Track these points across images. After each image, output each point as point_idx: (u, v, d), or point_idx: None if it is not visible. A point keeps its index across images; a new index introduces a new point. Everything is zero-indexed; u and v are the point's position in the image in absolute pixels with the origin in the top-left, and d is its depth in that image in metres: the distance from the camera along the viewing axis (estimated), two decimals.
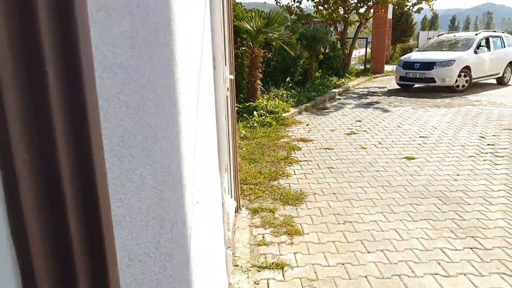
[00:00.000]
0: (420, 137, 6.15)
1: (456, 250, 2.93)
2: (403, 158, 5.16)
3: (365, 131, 6.63)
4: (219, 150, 2.25)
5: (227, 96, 3.32)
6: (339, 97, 10.41)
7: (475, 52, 10.62)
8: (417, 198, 3.88)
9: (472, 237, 3.12)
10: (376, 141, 6.00)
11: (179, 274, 1.04)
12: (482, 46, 10.92)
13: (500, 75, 11.47)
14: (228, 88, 3.33)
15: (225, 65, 3.21)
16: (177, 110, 1.09)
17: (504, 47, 11.56)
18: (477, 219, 3.41)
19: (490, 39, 11.24)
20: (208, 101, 1.91)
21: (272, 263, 2.82)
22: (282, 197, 3.97)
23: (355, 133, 6.49)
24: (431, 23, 76.62)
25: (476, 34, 11.26)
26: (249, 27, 7.32)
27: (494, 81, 11.83)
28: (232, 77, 3.35)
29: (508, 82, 11.82)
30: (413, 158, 5.12)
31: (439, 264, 2.76)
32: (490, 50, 11.01)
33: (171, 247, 0.95)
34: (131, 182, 0.65)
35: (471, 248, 2.95)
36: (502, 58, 11.33)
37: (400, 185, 4.24)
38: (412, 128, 6.70)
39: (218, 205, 2.24)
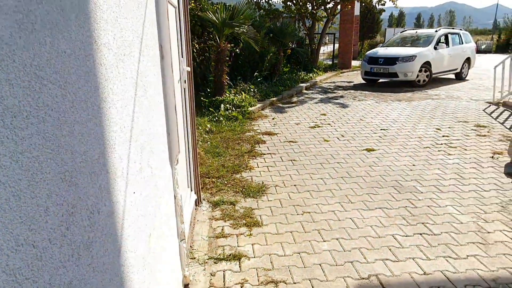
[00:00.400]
0: (381, 129, 6.34)
1: (406, 236, 3.05)
2: (364, 150, 5.30)
3: (329, 124, 6.76)
4: (169, 142, 2.22)
5: (184, 89, 3.27)
6: (306, 91, 10.54)
7: (435, 48, 11.05)
8: (374, 188, 4.00)
9: (422, 223, 3.25)
10: (339, 134, 6.13)
11: (103, 263, 1.01)
12: (442, 42, 11.37)
13: (458, 70, 11.99)
14: (185, 81, 3.29)
15: (182, 57, 3.17)
16: (100, 96, 1.06)
17: (462, 43, 12.09)
18: (428, 206, 3.57)
19: (449, 36, 11.72)
20: (154, 92, 1.87)
21: (230, 255, 2.83)
22: (243, 189, 3.98)
23: (319, 126, 6.60)
24: (398, 20, 79.04)
25: (436, 31, 11.70)
26: (214, 18, 7.24)
27: (453, 76, 12.36)
28: (189, 69, 3.31)
29: (465, 77, 12.39)
30: (373, 150, 5.27)
31: (390, 250, 2.86)
32: (449, 47, 11.48)
33: (88, 235, 0.92)
34: (18, 164, 0.63)
35: (421, 234, 3.08)
36: (460, 54, 11.84)
37: (359, 176, 4.36)
38: (374, 121, 6.89)
39: (169, 198, 2.22)
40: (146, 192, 1.59)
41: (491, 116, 7.13)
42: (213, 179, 4.25)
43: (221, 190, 3.99)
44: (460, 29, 12.71)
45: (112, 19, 1.20)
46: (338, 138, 5.87)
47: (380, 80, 11.79)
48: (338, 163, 4.79)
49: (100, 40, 1.07)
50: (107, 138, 1.11)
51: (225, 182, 4.19)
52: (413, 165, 4.67)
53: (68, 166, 0.82)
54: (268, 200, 3.77)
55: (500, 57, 8.81)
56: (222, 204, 3.66)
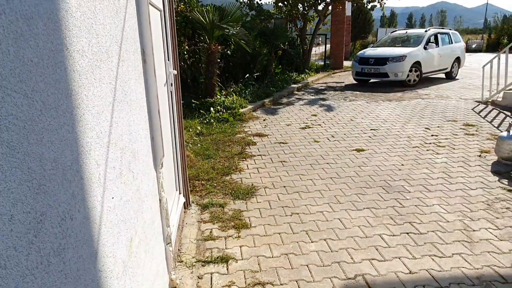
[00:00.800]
0: (371, 129, 6.38)
1: (393, 235, 3.08)
2: (353, 150, 5.34)
3: (319, 125, 6.79)
4: (153, 146, 2.22)
5: (171, 92, 3.28)
6: (298, 92, 10.58)
7: (425, 48, 11.14)
8: (362, 188, 4.03)
9: (409, 222, 3.29)
10: (329, 134, 6.17)
11: (76, 269, 1.02)
12: (431, 42, 11.47)
13: (448, 70, 12.11)
14: (172, 84, 3.29)
15: (168, 60, 3.17)
16: (73, 102, 1.07)
17: (452, 43, 12.22)
18: (416, 205, 3.60)
19: (439, 35, 11.83)
20: (136, 96, 1.87)
21: (217, 257, 2.83)
22: (233, 191, 3.99)
23: (310, 127, 6.63)
24: (390, 21, 79.66)
25: (426, 31, 11.81)
26: (201, 18, 7.24)
27: (443, 76, 12.47)
28: (176, 72, 3.31)
29: (455, 76, 12.51)
30: (362, 150, 5.31)
31: (376, 249, 2.89)
32: (438, 46, 11.58)
33: (60, 242, 0.92)
34: None
35: (407, 233, 3.11)
36: (450, 54, 11.96)
37: (348, 176, 4.39)
38: (364, 121, 6.94)
39: (154, 202, 2.22)
40: (127, 196, 1.59)
41: (480, 115, 7.21)
42: (202, 182, 4.25)
43: (210, 193, 3.99)
44: (450, 29, 12.85)
45: (87, 26, 1.20)
46: (328, 139, 5.90)
47: (371, 80, 11.87)
48: (327, 163, 4.82)
49: (72, 47, 1.08)
50: (82, 144, 1.11)
51: (215, 184, 4.19)
52: (402, 164, 4.71)
53: (36, 174, 0.83)
54: (257, 202, 3.78)
55: (490, 56, 8.90)
56: (211, 207, 3.66)
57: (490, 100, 8.25)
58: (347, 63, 17.62)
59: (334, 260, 2.77)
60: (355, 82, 12.09)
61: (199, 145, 5.49)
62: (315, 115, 7.56)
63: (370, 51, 11.76)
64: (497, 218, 3.33)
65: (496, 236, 3.03)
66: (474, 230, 3.14)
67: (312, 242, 3.03)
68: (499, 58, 8.02)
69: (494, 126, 6.36)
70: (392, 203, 3.67)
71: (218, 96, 7.92)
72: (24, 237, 0.77)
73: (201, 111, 7.15)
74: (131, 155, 1.71)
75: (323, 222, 3.34)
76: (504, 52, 7.94)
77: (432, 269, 2.63)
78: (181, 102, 3.55)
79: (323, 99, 9.35)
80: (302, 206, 3.66)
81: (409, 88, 10.66)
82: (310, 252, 2.88)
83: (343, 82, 12.51)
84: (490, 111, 7.49)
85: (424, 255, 2.81)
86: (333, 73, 15.00)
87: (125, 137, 1.62)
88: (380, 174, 4.41)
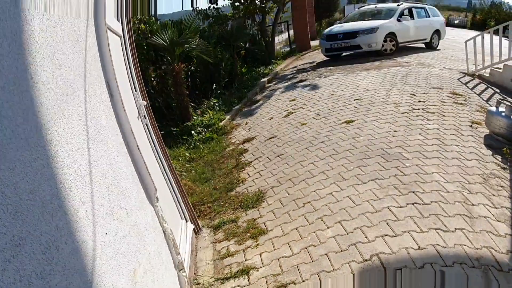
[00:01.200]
0: (355, 100, 6.26)
1: (400, 207, 3.03)
2: (343, 123, 5.24)
3: (301, 107, 6.61)
4: (142, 181, 2.16)
5: (146, 124, 3.07)
6: (269, 84, 10.11)
7: (398, 20, 11.09)
8: (362, 160, 3.97)
9: (413, 192, 3.22)
10: (314, 113, 6.02)
11: None
12: (406, 15, 11.48)
13: (428, 40, 12.09)
14: (145, 116, 3.05)
15: (135, 90, 2.97)
16: (44, 137, 1.04)
17: (429, 17, 12.32)
18: (416, 173, 3.54)
19: (413, 9, 11.84)
20: (110, 133, 1.79)
21: (237, 271, 2.76)
22: (242, 204, 3.86)
23: (292, 113, 6.47)
24: None
25: (398, 5, 11.84)
26: (161, 41, 7.09)
27: (423, 45, 12.44)
28: (145, 103, 3.14)
29: (436, 47, 12.40)
30: (351, 121, 5.23)
31: (387, 224, 2.84)
32: (414, 19, 11.61)
33: (44, 268, 0.95)
34: None
35: (413, 204, 3.04)
36: (428, 26, 11.97)
37: (345, 150, 4.32)
38: (345, 93, 6.80)
39: (157, 234, 2.15)
40: (123, 232, 1.54)
41: (467, 86, 7.03)
42: (208, 205, 4.10)
43: (219, 212, 3.85)
44: (426, 4, 12.93)
45: (49, 54, 1.16)
46: (314, 118, 5.78)
47: (344, 54, 11.64)
48: (322, 142, 4.74)
49: (37, 76, 1.05)
50: (61, 181, 1.09)
51: (222, 203, 4.05)
52: (395, 131, 4.65)
53: (11, 200, 0.87)
54: (269, 205, 3.68)
55: (475, 33, 8.75)
56: (224, 225, 3.54)
57: (476, 74, 7.93)
58: (315, 43, 16.75)
59: (351, 242, 2.72)
60: (326, 58, 11.82)
61: (193, 171, 5.33)
62: (294, 100, 7.33)
63: (337, 28, 11.60)
64: (493, 195, 3.22)
65: (493, 215, 2.94)
66: (473, 205, 3.04)
67: (328, 228, 2.97)
68: (483, 37, 7.78)
69: (484, 100, 6.19)
70: (393, 171, 3.63)
71: (195, 117, 7.63)
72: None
73: (184, 137, 6.92)
74: (120, 193, 1.66)
75: (334, 204, 3.28)
76: (489, 32, 7.87)
77: (438, 244, 2.56)
78: (160, 132, 3.40)
79: (298, 82, 9.02)
80: (311, 193, 3.58)
81: (386, 57, 10.42)
82: (328, 239, 2.83)
83: (314, 61, 12.13)
84: (477, 84, 7.24)
85: (430, 228, 2.74)
86: (301, 55, 14.62)
87: (109, 175, 1.57)
88: (375, 143, 4.35)
